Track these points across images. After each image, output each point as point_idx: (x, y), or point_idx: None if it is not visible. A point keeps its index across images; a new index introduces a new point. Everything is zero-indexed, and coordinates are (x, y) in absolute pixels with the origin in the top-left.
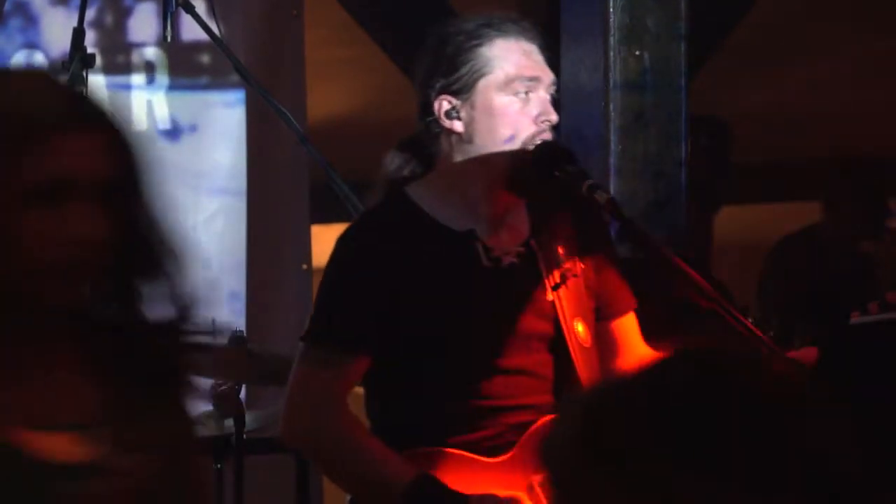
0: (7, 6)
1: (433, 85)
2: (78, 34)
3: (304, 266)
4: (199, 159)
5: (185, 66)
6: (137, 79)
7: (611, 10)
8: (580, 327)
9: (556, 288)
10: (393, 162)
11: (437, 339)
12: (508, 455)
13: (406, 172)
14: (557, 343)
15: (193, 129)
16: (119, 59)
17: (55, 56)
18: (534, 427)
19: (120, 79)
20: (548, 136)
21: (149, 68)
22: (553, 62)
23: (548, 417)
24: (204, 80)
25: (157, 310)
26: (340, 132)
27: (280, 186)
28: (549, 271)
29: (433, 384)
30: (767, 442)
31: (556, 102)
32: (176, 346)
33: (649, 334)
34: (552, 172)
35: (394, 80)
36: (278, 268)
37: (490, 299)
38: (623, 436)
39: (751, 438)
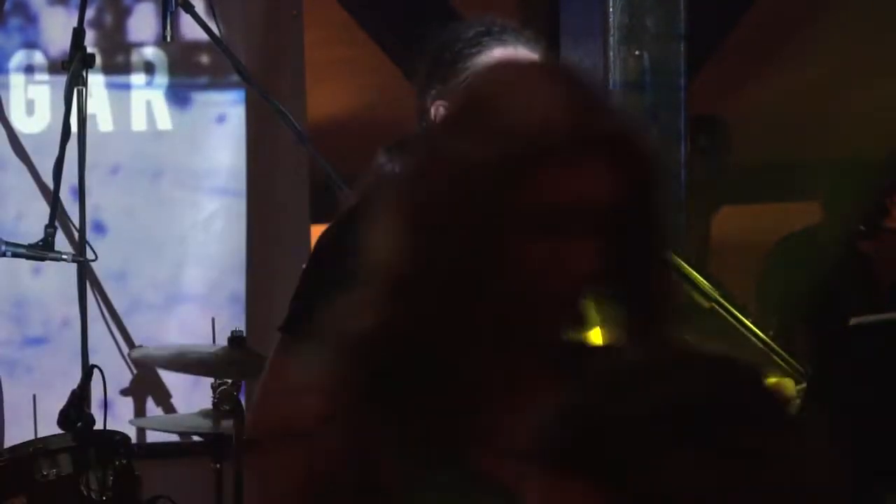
0: (6, 5)
1: (430, 90)
2: (78, 34)
3: (304, 266)
4: (200, 159)
5: (184, 67)
6: (137, 79)
7: (610, 10)
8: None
9: None
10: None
11: None
12: None
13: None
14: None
15: (193, 129)
16: (118, 59)
17: (54, 55)
18: None
19: (119, 78)
20: None
21: (148, 68)
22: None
23: None
24: (203, 80)
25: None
26: (340, 132)
27: (280, 186)
28: None
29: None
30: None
31: None
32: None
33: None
34: None
35: (394, 80)
36: (278, 267)
37: None
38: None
39: None
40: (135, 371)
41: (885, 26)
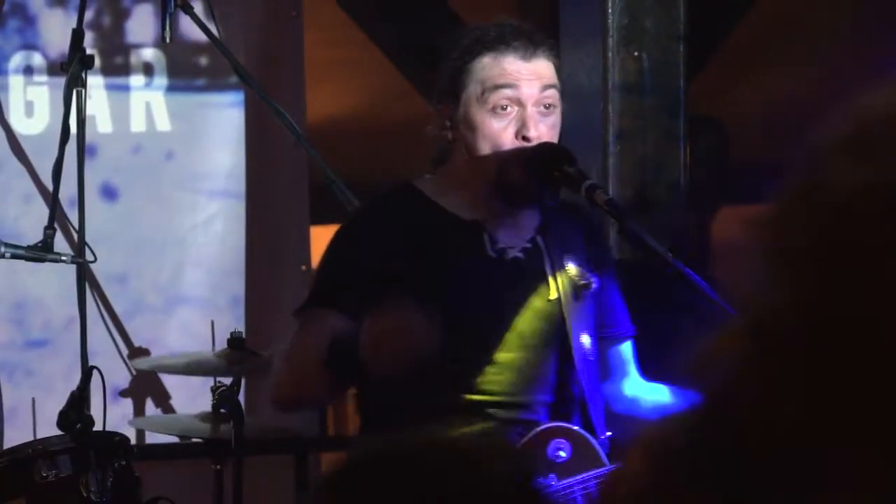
0: (5, 7)
1: (434, 96)
2: (77, 35)
3: (304, 267)
4: (198, 161)
5: (183, 68)
6: (136, 80)
7: (609, 11)
8: (586, 340)
9: (566, 297)
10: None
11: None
12: None
13: None
14: (559, 345)
15: (192, 130)
16: (117, 61)
17: (53, 57)
18: (533, 433)
19: (118, 80)
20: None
21: (147, 70)
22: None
23: (547, 425)
24: (203, 81)
25: None
26: (340, 133)
27: (279, 188)
28: (554, 273)
29: (427, 378)
30: None
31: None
32: None
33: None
34: (551, 172)
35: (393, 81)
36: (277, 269)
37: (491, 289)
38: None
39: None
40: (134, 372)
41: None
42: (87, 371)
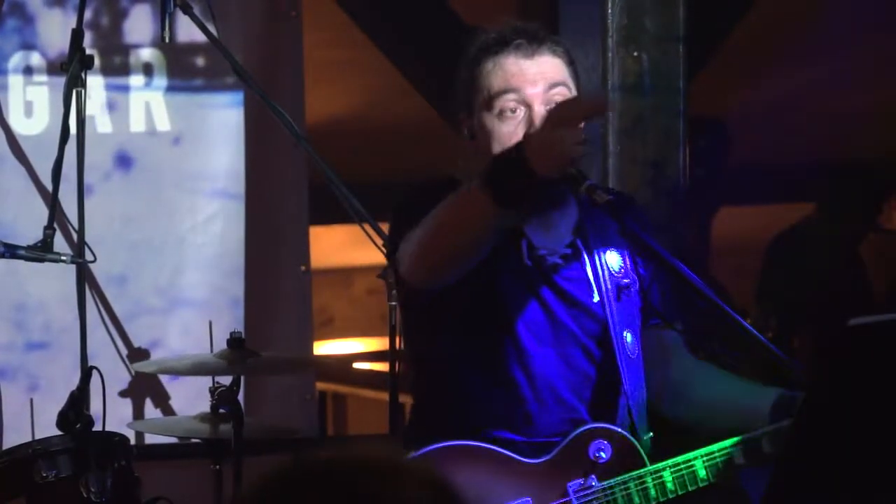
0: (4, 7)
1: (454, 109)
2: (77, 35)
3: (303, 267)
4: (198, 161)
5: (183, 68)
6: (136, 80)
7: (609, 11)
8: (629, 338)
9: (608, 297)
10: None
11: (474, 326)
12: (547, 458)
13: None
14: (603, 346)
15: (192, 130)
16: (116, 61)
17: (52, 57)
18: (575, 433)
19: (118, 80)
20: None
21: (147, 70)
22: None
23: (589, 425)
24: (202, 81)
25: None
26: (339, 133)
27: (278, 188)
28: (596, 274)
29: (470, 371)
30: None
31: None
32: None
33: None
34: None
35: (392, 81)
36: (277, 269)
37: (527, 295)
38: None
39: None
40: (133, 373)
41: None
42: (86, 371)
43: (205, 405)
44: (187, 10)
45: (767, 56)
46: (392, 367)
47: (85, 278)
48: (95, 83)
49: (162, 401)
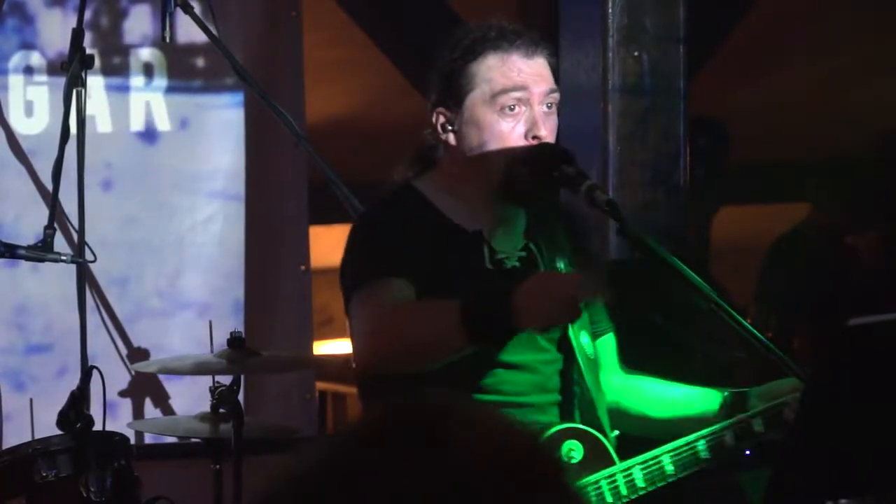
0: (4, 7)
1: (432, 98)
2: (77, 34)
3: (303, 267)
4: (198, 161)
5: (183, 68)
6: (136, 80)
7: (609, 11)
8: (585, 339)
9: None
10: (404, 172)
11: None
12: None
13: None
14: (563, 347)
15: (192, 131)
16: (117, 61)
17: (52, 57)
18: (545, 435)
19: (118, 80)
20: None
21: (147, 70)
22: (554, 68)
23: (559, 426)
24: (202, 81)
25: None
26: (339, 133)
27: (278, 188)
28: None
29: (436, 378)
30: None
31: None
32: None
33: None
34: (550, 173)
35: (392, 80)
36: (277, 269)
37: None
38: None
39: None
40: (133, 374)
41: (885, 26)
42: (86, 371)
43: (205, 405)
44: (187, 10)
45: (767, 56)
46: None
47: (85, 278)
48: (95, 83)
49: (162, 400)
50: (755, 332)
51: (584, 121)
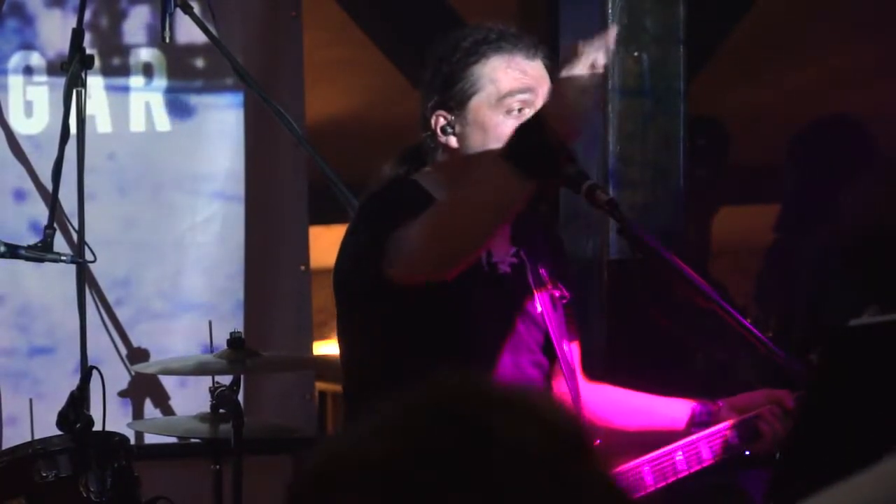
0: (4, 7)
1: (431, 100)
2: (77, 35)
3: (303, 267)
4: (198, 161)
5: (183, 68)
6: (136, 80)
7: (609, 11)
8: (566, 348)
9: (546, 307)
10: (393, 171)
11: (435, 333)
12: None
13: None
14: (547, 355)
15: (192, 131)
16: (116, 61)
17: (52, 57)
18: None
19: (118, 80)
20: None
21: (147, 70)
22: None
23: None
24: (202, 81)
25: None
26: (339, 133)
27: (278, 188)
28: (537, 285)
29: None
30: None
31: None
32: None
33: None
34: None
35: (392, 81)
36: (277, 269)
37: (487, 304)
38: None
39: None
40: (133, 373)
41: (885, 26)
42: (86, 371)
43: (205, 405)
44: (187, 11)
45: (767, 56)
46: None
47: (85, 278)
48: (95, 83)
49: (162, 401)
50: (755, 332)
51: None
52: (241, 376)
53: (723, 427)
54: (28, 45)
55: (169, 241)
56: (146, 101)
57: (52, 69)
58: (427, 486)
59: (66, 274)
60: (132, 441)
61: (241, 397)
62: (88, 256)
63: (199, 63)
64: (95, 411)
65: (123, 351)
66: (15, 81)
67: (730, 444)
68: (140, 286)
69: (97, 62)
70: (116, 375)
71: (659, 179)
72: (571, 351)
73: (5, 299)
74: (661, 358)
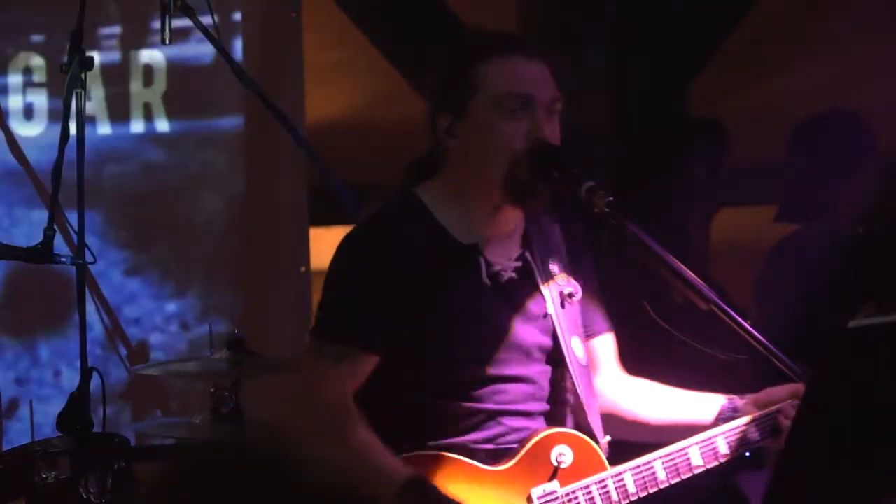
0: (4, 7)
1: (434, 102)
2: (77, 36)
3: (303, 269)
4: (198, 162)
5: (183, 69)
6: (136, 81)
7: (608, 11)
8: (577, 346)
9: (556, 306)
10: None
11: (439, 347)
12: (509, 465)
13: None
14: (555, 356)
15: (192, 131)
16: (115, 63)
17: (53, 58)
18: (536, 439)
19: (118, 81)
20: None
21: (147, 71)
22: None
23: (549, 430)
24: (202, 83)
25: None
26: (339, 134)
27: (279, 189)
28: (546, 286)
29: (433, 388)
30: None
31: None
32: None
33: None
34: (551, 173)
35: (392, 82)
36: (277, 270)
37: (489, 314)
38: None
39: None
40: (133, 374)
41: (885, 26)
42: (86, 372)
43: (205, 406)
44: (188, 12)
45: (767, 57)
46: None
47: (85, 279)
48: (95, 84)
49: (162, 402)
50: (755, 332)
51: (585, 121)
52: (241, 377)
53: (742, 422)
54: (28, 47)
55: (169, 241)
56: (146, 101)
57: (52, 71)
58: None
59: (64, 273)
60: (132, 442)
61: (241, 398)
62: (88, 257)
63: (200, 64)
64: (95, 413)
65: (123, 352)
66: (15, 83)
67: (748, 439)
68: (140, 287)
69: (97, 63)
70: (116, 376)
71: (659, 179)
72: (588, 348)
73: (5, 300)
74: (660, 358)
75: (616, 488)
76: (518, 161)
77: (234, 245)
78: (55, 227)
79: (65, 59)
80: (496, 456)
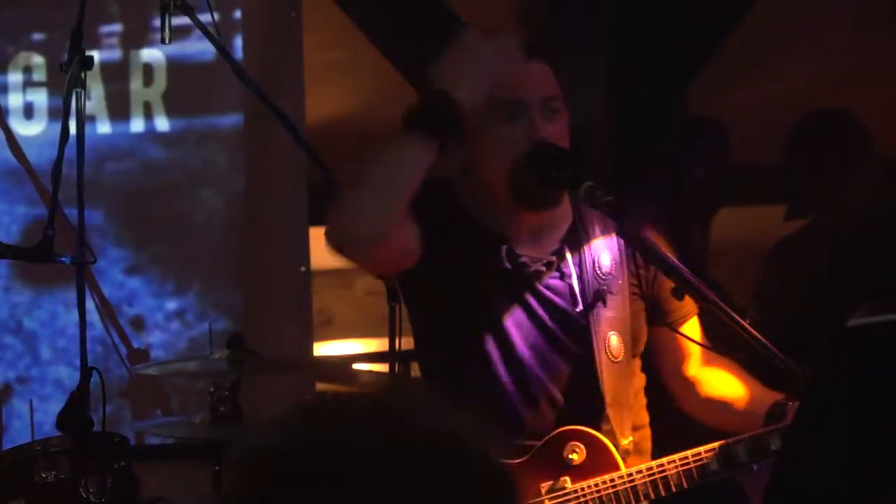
0: (4, 7)
1: None
2: (76, 35)
3: (303, 268)
4: (198, 161)
5: (182, 69)
6: (136, 81)
7: (609, 11)
8: (614, 341)
9: (589, 302)
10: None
11: (456, 330)
12: (523, 459)
13: None
14: (584, 351)
15: (191, 131)
16: (116, 62)
17: (53, 58)
18: (550, 434)
19: (118, 80)
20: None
21: (147, 70)
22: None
23: (566, 427)
24: (201, 82)
25: None
26: (339, 134)
27: (278, 188)
28: (581, 282)
29: (452, 371)
30: None
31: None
32: None
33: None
34: (550, 173)
35: (392, 82)
36: (277, 270)
37: (502, 305)
38: None
39: None
40: (133, 374)
41: (885, 26)
42: (86, 372)
43: (204, 406)
44: (188, 11)
45: (767, 56)
46: (392, 367)
47: (85, 279)
48: (95, 83)
49: (162, 401)
50: (755, 332)
51: (585, 121)
52: (241, 377)
53: (768, 431)
54: (28, 46)
55: (169, 241)
56: (146, 101)
57: (53, 70)
58: None
59: (64, 273)
60: (132, 442)
61: (240, 398)
62: (88, 257)
63: (200, 63)
64: (95, 412)
65: (123, 351)
66: (15, 82)
67: (769, 449)
68: (140, 286)
69: (97, 62)
70: (115, 375)
71: (659, 179)
72: (624, 343)
73: (6, 300)
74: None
75: (628, 489)
76: (519, 165)
77: (233, 244)
78: (55, 226)
79: (65, 57)
80: (518, 451)
